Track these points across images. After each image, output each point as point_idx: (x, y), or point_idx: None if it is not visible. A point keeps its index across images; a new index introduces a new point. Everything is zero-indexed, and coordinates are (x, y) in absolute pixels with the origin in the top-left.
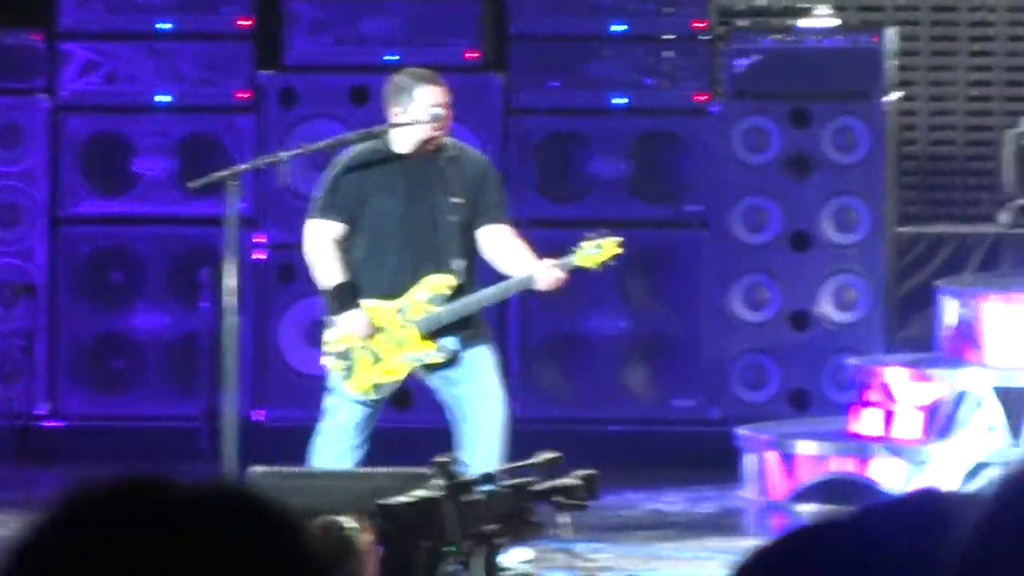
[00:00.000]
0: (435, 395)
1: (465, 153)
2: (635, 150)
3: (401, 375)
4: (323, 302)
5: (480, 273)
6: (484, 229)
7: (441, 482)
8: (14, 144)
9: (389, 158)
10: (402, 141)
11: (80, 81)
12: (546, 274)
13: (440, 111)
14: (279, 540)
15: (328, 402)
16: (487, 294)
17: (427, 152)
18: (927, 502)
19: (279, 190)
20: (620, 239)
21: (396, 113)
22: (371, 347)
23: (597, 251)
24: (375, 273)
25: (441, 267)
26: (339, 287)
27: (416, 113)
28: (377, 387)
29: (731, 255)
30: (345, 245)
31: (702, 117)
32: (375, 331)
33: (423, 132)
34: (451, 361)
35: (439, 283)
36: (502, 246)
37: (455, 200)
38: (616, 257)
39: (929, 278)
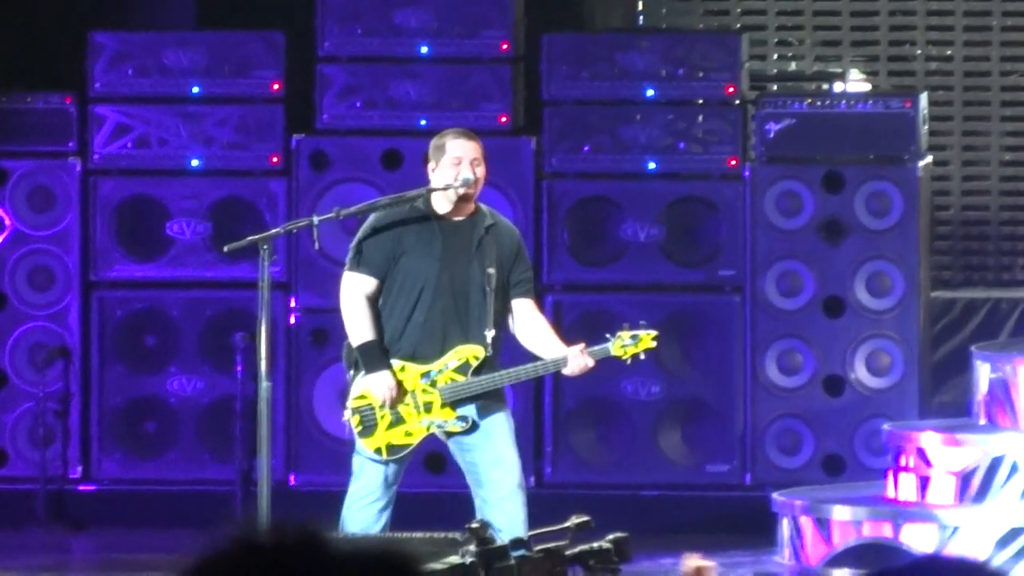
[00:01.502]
0: (454, 459)
1: (500, 222)
2: (667, 214)
3: (417, 439)
4: (347, 357)
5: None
6: (514, 302)
7: (473, 548)
8: (47, 208)
9: (427, 217)
10: (439, 201)
11: (112, 145)
12: (577, 361)
13: (467, 167)
14: None
15: (355, 463)
16: (516, 372)
17: (464, 215)
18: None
19: (312, 254)
20: (656, 333)
21: (432, 168)
22: (394, 408)
23: (632, 343)
24: (403, 333)
25: (471, 336)
26: (369, 345)
27: (445, 165)
28: (391, 447)
29: (764, 320)
30: (376, 299)
31: (735, 182)
32: (400, 395)
33: (455, 192)
34: (467, 429)
35: (469, 353)
36: (531, 323)
37: (490, 270)
38: (645, 316)
39: (963, 343)
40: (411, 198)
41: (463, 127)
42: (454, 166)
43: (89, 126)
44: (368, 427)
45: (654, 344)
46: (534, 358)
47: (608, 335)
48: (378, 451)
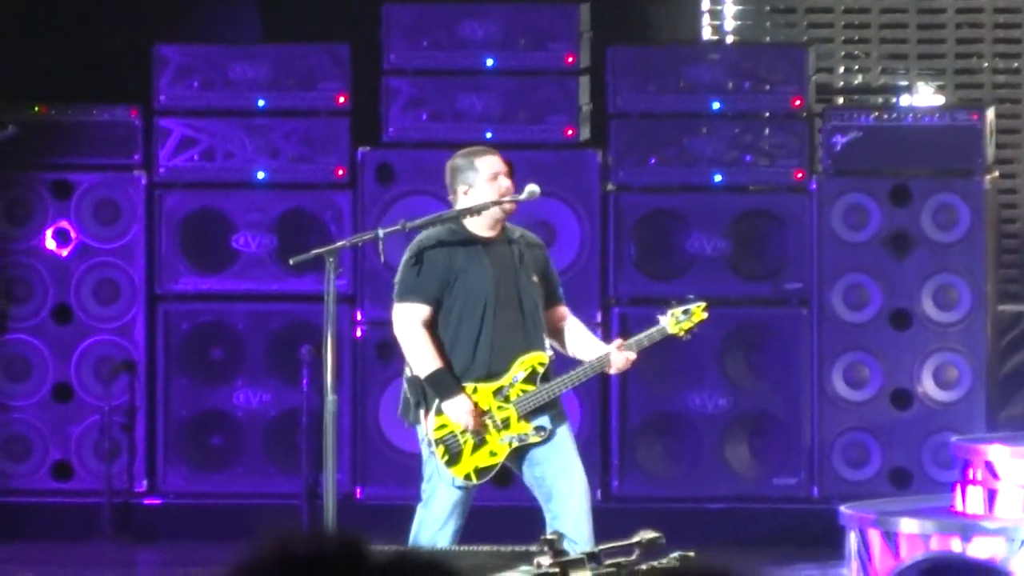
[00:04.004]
0: (520, 477)
1: (527, 235)
2: (734, 227)
3: (502, 457)
4: (409, 392)
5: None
6: (551, 310)
7: (547, 560)
8: (112, 221)
9: (468, 238)
10: (474, 223)
11: (178, 158)
12: (618, 357)
13: (505, 179)
14: None
15: (425, 491)
16: (574, 376)
17: (496, 232)
18: None
19: (377, 267)
20: (705, 303)
21: (464, 191)
22: (476, 431)
23: (686, 317)
24: (475, 354)
25: (533, 345)
26: (439, 373)
27: (482, 183)
28: (480, 471)
29: (831, 333)
30: (432, 326)
31: (801, 194)
32: (481, 416)
33: (502, 208)
34: (546, 437)
35: (534, 360)
36: (569, 328)
37: (535, 279)
38: (711, 329)
39: None
40: (477, 210)
41: (525, 143)
42: (492, 181)
43: (154, 139)
44: (454, 455)
45: (706, 315)
46: (576, 363)
47: (659, 315)
48: (467, 477)
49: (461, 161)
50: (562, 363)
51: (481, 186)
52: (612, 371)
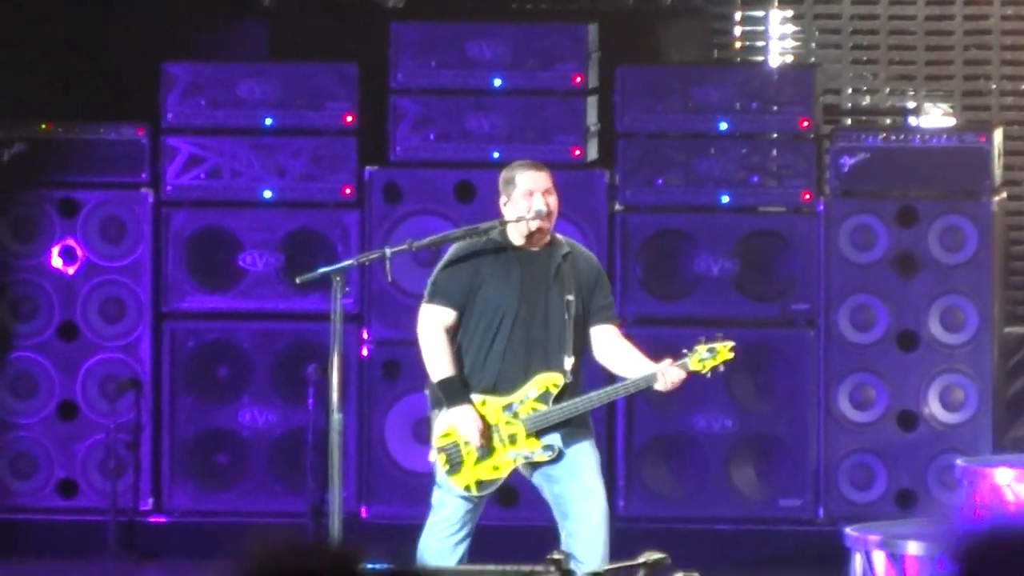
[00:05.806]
0: (539, 492)
1: (578, 251)
2: (741, 248)
3: (505, 472)
4: (429, 394)
5: (587, 371)
6: (595, 329)
7: None
8: (119, 239)
9: (504, 248)
10: (514, 233)
11: (185, 176)
12: (669, 374)
13: (540, 198)
14: None
15: (435, 496)
16: (600, 395)
17: (541, 245)
18: None
19: (384, 286)
20: (732, 343)
21: (504, 203)
22: (479, 443)
23: (710, 355)
24: (484, 365)
25: (551, 364)
26: (449, 381)
27: (518, 198)
28: (481, 484)
29: (837, 354)
30: (455, 332)
31: (808, 215)
32: (483, 429)
33: (528, 225)
34: (554, 458)
35: (548, 381)
36: (614, 347)
37: (568, 298)
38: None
39: None
40: (484, 230)
41: (532, 159)
42: (526, 198)
43: (161, 157)
44: (455, 465)
45: (732, 355)
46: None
47: (685, 350)
48: (467, 488)
49: (507, 173)
50: (600, 382)
51: (516, 201)
52: (659, 388)
